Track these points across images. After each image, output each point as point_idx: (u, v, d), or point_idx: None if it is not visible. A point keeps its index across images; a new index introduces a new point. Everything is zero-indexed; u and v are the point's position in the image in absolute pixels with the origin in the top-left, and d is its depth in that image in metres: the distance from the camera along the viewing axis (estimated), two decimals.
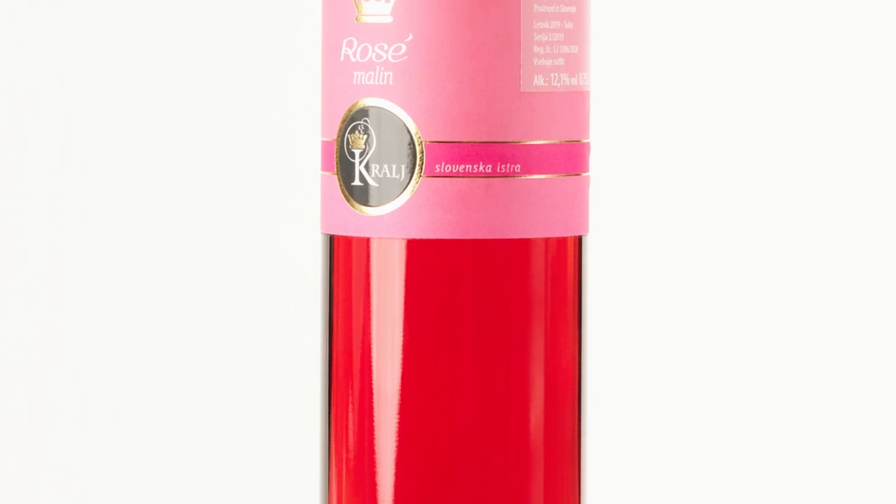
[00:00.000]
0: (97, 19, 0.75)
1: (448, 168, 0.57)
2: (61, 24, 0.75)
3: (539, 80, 0.57)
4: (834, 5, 0.68)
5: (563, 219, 0.59)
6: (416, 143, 0.57)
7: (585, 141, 0.59)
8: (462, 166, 0.57)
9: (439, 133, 0.57)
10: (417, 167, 0.57)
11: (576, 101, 0.59)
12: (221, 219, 0.75)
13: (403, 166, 0.57)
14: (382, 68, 0.57)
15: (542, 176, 0.58)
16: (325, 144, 0.59)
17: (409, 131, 0.57)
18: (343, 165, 0.58)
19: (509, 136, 0.57)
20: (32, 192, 0.78)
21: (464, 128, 0.57)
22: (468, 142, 0.57)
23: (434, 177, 0.57)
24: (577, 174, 0.58)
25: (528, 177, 0.58)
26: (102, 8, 0.74)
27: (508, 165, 0.57)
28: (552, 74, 0.58)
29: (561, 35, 0.58)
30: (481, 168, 0.57)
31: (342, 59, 0.58)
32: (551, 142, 0.58)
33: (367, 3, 0.57)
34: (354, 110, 0.57)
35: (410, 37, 0.57)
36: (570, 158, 0.59)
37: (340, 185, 0.58)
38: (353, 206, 0.58)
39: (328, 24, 0.59)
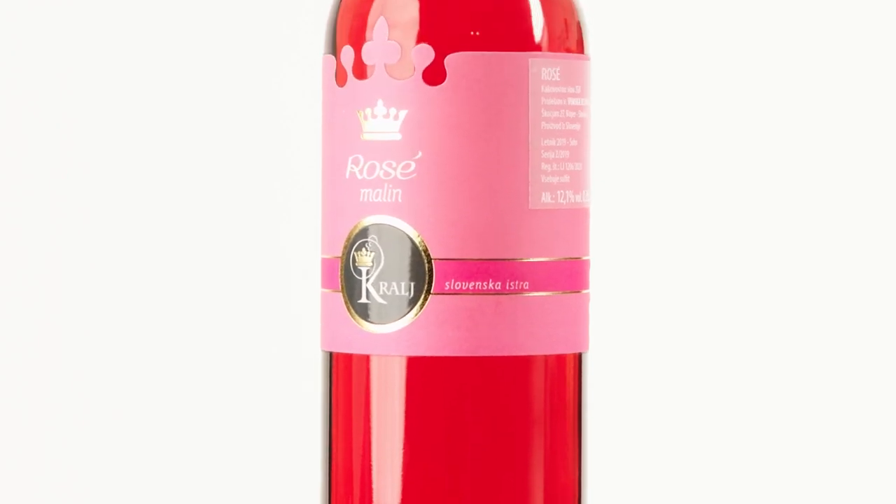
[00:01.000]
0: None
1: (458, 285, 0.56)
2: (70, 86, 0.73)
3: (546, 198, 0.57)
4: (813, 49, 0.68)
5: (565, 336, 0.58)
6: (426, 261, 0.56)
7: (586, 258, 0.58)
8: (472, 283, 0.56)
9: (449, 250, 0.56)
10: (427, 284, 0.56)
11: (578, 217, 0.58)
12: (215, 339, 0.73)
13: (413, 284, 0.56)
14: (391, 186, 0.56)
15: (548, 293, 0.57)
16: (327, 262, 0.58)
17: (418, 248, 0.56)
18: (349, 283, 0.56)
19: (518, 254, 0.56)
20: (33, 204, 0.75)
21: (473, 245, 0.56)
22: (477, 259, 0.56)
23: (443, 294, 0.56)
24: (578, 291, 0.58)
25: (535, 294, 0.57)
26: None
27: (517, 283, 0.56)
28: (558, 191, 0.57)
29: (567, 152, 0.57)
30: (490, 285, 0.56)
31: (348, 176, 0.57)
32: (555, 259, 0.57)
33: (374, 121, 0.56)
34: (361, 227, 0.56)
35: (420, 154, 0.56)
36: (572, 275, 0.58)
37: (346, 303, 0.56)
38: (359, 323, 0.56)
39: (332, 141, 0.58)
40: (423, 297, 0.55)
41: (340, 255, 0.57)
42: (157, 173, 0.76)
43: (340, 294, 0.56)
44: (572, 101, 0.57)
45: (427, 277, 0.55)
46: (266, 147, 0.76)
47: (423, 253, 0.55)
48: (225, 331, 0.76)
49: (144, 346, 0.75)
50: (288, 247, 0.73)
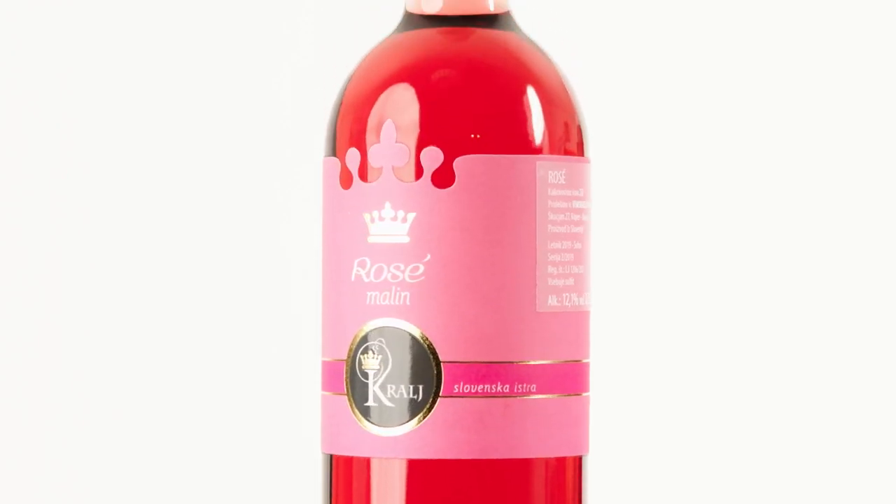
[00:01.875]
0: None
1: (466, 388, 0.55)
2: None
3: (553, 301, 0.56)
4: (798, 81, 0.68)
5: (567, 438, 0.57)
6: (435, 364, 0.55)
7: (586, 360, 0.58)
8: (480, 386, 0.55)
9: (458, 353, 0.55)
10: (435, 387, 0.55)
11: (581, 320, 0.57)
12: (209, 447, 0.72)
13: (421, 387, 0.55)
14: (398, 288, 0.55)
15: (553, 396, 0.56)
16: (329, 364, 0.56)
17: (426, 351, 0.55)
18: (354, 386, 0.55)
19: (525, 356, 0.56)
20: (33, 206, 0.73)
21: (482, 347, 0.55)
22: (486, 362, 0.55)
23: (452, 397, 0.55)
24: (580, 394, 0.57)
25: (541, 396, 0.56)
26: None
27: (525, 385, 0.55)
28: (564, 294, 0.56)
29: (571, 255, 0.57)
30: (499, 388, 0.55)
31: (353, 278, 0.56)
32: (559, 361, 0.56)
33: (381, 224, 0.55)
34: (367, 330, 0.55)
35: (428, 257, 0.55)
36: (574, 378, 0.57)
37: (351, 406, 0.55)
38: (365, 426, 0.55)
39: (336, 243, 0.57)
40: (431, 399, 0.54)
41: (345, 357, 0.55)
42: (156, 281, 0.74)
43: (345, 397, 0.55)
44: (576, 204, 0.56)
45: (436, 380, 0.54)
46: (260, 251, 0.75)
47: (431, 356, 0.54)
48: (222, 436, 0.74)
49: (138, 459, 0.73)
50: (284, 349, 0.72)
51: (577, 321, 0.57)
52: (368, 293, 0.55)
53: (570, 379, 0.56)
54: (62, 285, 0.73)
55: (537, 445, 0.55)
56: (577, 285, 0.57)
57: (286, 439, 0.72)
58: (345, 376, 0.55)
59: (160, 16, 0.73)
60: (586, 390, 0.57)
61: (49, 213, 0.74)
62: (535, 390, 0.55)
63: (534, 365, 0.55)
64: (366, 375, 0.55)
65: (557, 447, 0.56)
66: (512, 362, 0.55)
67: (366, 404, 0.55)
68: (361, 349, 0.55)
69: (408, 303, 0.54)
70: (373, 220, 0.55)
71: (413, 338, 0.54)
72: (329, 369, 0.56)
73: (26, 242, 0.75)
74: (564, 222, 0.56)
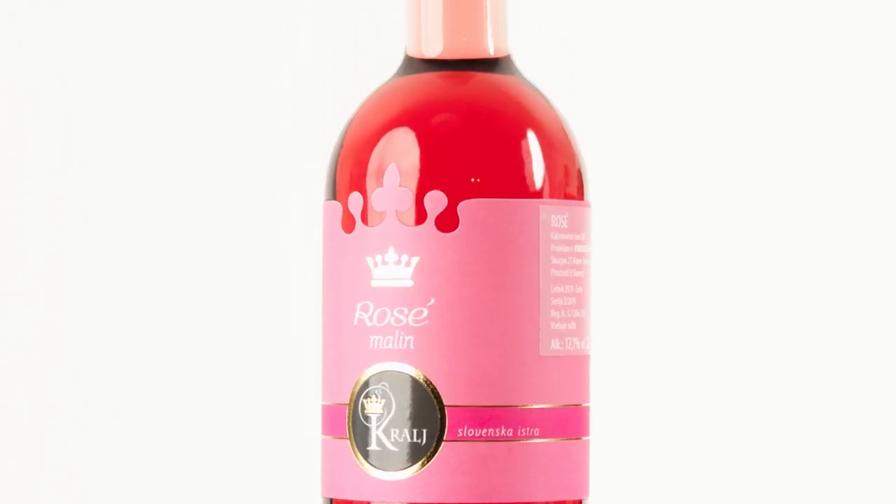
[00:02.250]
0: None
1: (470, 432, 0.54)
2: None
3: (556, 345, 0.56)
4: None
5: (568, 482, 0.57)
6: (438, 408, 0.54)
7: (586, 404, 0.57)
8: (484, 430, 0.54)
9: (462, 397, 0.54)
10: (439, 431, 0.54)
11: (581, 364, 0.57)
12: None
13: (425, 431, 0.54)
14: (402, 332, 0.54)
15: (554, 440, 0.56)
16: (330, 409, 0.56)
17: (430, 395, 0.54)
18: (357, 430, 0.55)
19: (529, 400, 0.55)
20: (33, 206, 0.72)
21: (486, 391, 0.55)
22: (490, 406, 0.54)
23: (456, 441, 0.54)
24: (580, 438, 0.57)
25: (544, 440, 0.55)
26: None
27: (528, 429, 0.55)
28: (566, 339, 0.56)
29: (573, 299, 0.56)
30: (503, 432, 0.54)
31: (356, 322, 0.55)
32: (560, 405, 0.56)
33: (384, 268, 0.55)
34: (370, 374, 0.55)
35: (432, 301, 0.54)
36: (575, 422, 0.57)
37: (354, 450, 0.55)
38: (368, 470, 0.55)
39: (338, 287, 0.56)
40: (435, 444, 0.54)
41: (347, 401, 0.55)
42: (158, 325, 0.74)
43: (347, 441, 0.54)
44: (578, 248, 0.56)
45: (440, 424, 0.54)
46: (260, 294, 0.74)
47: (435, 399, 0.54)
48: (222, 480, 0.73)
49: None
50: (284, 393, 0.71)
51: (578, 365, 0.56)
52: (371, 337, 0.54)
53: (571, 422, 0.56)
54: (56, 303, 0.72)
55: (539, 489, 0.55)
56: (578, 329, 0.56)
57: (285, 483, 0.71)
58: (346, 420, 0.55)
59: (163, 55, 0.72)
60: (587, 434, 0.57)
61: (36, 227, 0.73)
62: (537, 434, 0.55)
63: (536, 409, 0.55)
64: (368, 419, 0.54)
65: (558, 491, 0.55)
66: (515, 406, 0.54)
67: (368, 448, 0.54)
68: (364, 393, 0.54)
69: (411, 346, 0.54)
70: (376, 265, 0.54)
71: (416, 381, 0.54)
72: (330, 413, 0.56)
73: (26, 248, 0.74)
74: (567, 266, 0.56)
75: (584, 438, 0.57)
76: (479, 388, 0.54)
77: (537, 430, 0.55)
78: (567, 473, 0.56)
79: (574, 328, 0.56)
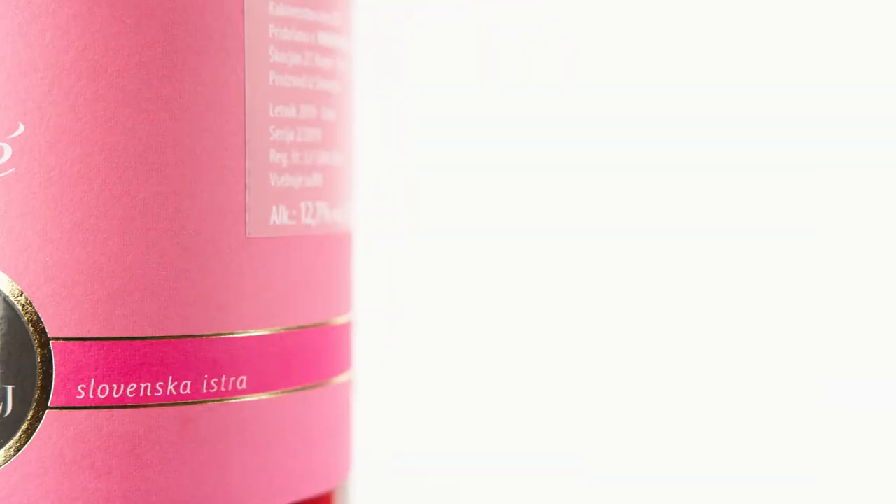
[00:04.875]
0: None
1: (105, 391, 0.25)
2: None
3: (280, 216, 0.27)
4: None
5: (308, 466, 0.28)
6: (39, 344, 0.25)
7: (341, 321, 0.29)
8: (135, 386, 0.26)
9: (86, 322, 0.25)
10: (40, 390, 0.25)
11: (330, 250, 0.28)
12: None
13: (10, 389, 0.25)
14: None
15: (278, 393, 0.27)
16: None
17: (20, 319, 0.25)
18: None
19: (224, 325, 0.27)
20: None
21: (138, 309, 0.26)
22: (146, 338, 0.26)
23: (74, 409, 0.25)
24: (327, 382, 0.28)
25: (257, 397, 0.27)
26: None
27: (226, 380, 0.26)
28: (301, 205, 0.28)
29: (317, 131, 0.28)
30: (171, 388, 0.26)
31: None
32: (288, 328, 0.27)
33: None
34: None
35: (21, 128, 0.25)
36: (319, 355, 0.28)
37: None
38: None
39: None
40: (32, 413, 0.25)
41: None
42: None
43: None
44: (323, 38, 0.27)
45: (40, 377, 0.25)
46: None
47: (29, 326, 0.25)
48: None
49: None
50: None
51: (323, 251, 0.28)
52: None
53: (309, 357, 0.28)
54: None
55: (252, 491, 0.26)
56: (326, 186, 0.28)
57: None
58: None
59: None
60: (341, 372, 0.28)
61: None
62: (244, 386, 0.26)
63: (242, 338, 0.26)
64: None
65: (294, 483, 0.27)
66: (195, 336, 0.26)
67: None
68: None
69: None
70: None
71: None
72: None
73: None
74: (301, 69, 0.27)
75: (338, 381, 0.28)
76: (122, 303, 0.25)
77: (244, 378, 0.26)
78: (308, 451, 0.27)
79: (318, 184, 0.28)
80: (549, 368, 0.43)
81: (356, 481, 0.32)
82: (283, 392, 0.27)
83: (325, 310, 0.28)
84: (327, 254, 0.28)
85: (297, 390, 0.28)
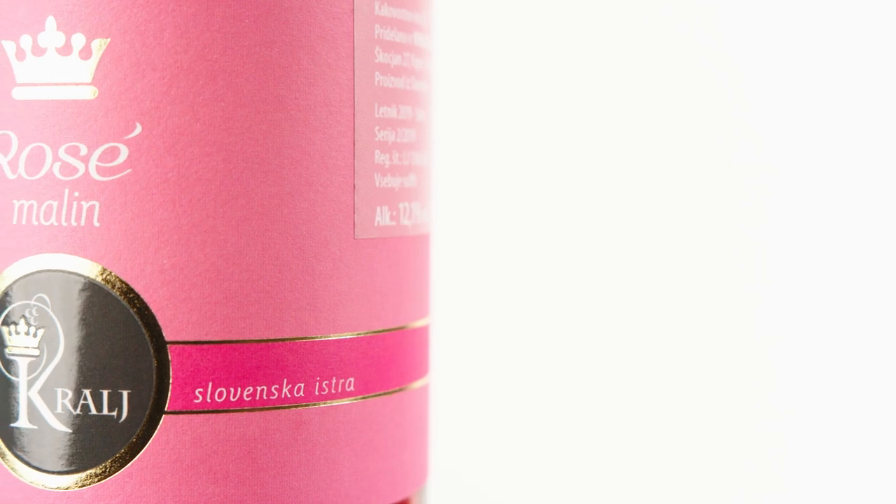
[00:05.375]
0: None
1: (221, 395, 0.25)
2: None
3: (383, 217, 0.27)
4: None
5: (392, 469, 0.28)
6: (154, 347, 0.25)
7: (419, 324, 0.29)
8: (250, 389, 0.25)
9: (200, 326, 0.25)
10: (156, 395, 0.25)
11: (416, 252, 0.28)
12: None
13: (126, 393, 0.25)
14: (77, 194, 0.25)
15: (376, 395, 0.27)
16: None
17: (138, 323, 0.25)
18: None
19: (331, 326, 0.26)
20: None
21: (250, 313, 0.25)
22: (258, 341, 0.25)
23: (191, 413, 0.25)
24: (405, 388, 0.28)
25: (360, 399, 0.26)
26: None
27: (335, 382, 0.26)
28: (400, 206, 0.27)
29: (412, 132, 0.27)
30: (286, 391, 0.25)
31: None
32: (383, 330, 0.27)
33: (39, 61, 0.25)
34: (15, 280, 0.25)
35: (138, 128, 0.25)
36: (402, 359, 0.28)
37: None
38: (12, 469, 0.25)
39: None
40: (147, 419, 0.24)
41: None
42: None
43: None
44: (418, 38, 0.27)
45: (156, 380, 0.24)
46: None
47: (146, 331, 0.24)
48: None
49: None
50: None
51: (410, 253, 0.28)
52: (15, 203, 0.24)
53: (398, 361, 0.27)
54: None
55: (355, 492, 0.26)
56: (418, 188, 0.28)
57: None
58: None
59: None
60: (420, 377, 0.28)
61: None
62: (351, 388, 0.26)
63: (347, 340, 0.26)
64: (11, 367, 0.24)
65: (381, 487, 0.27)
66: (308, 338, 0.25)
67: (13, 425, 0.24)
68: (6, 315, 0.24)
69: (95, 224, 0.24)
70: (21, 54, 0.24)
71: (105, 294, 0.24)
72: None
73: None
74: (400, 69, 0.27)
75: (417, 385, 0.28)
76: (239, 305, 0.24)
77: (352, 380, 0.26)
78: (399, 455, 0.27)
79: (413, 185, 0.27)
80: (632, 375, 0.43)
81: (432, 490, 0.32)
82: (384, 394, 0.27)
83: (412, 312, 0.28)
84: (417, 255, 0.28)
85: (391, 392, 0.27)
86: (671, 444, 0.41)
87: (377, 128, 0.26)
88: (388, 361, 0.27)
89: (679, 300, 0.41)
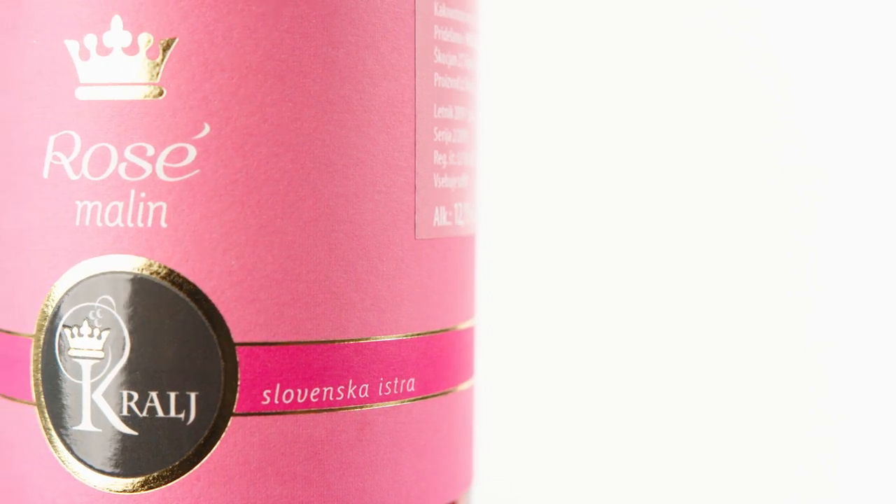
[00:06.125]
0: None
1: (289, 396, 0.24)
2: None
3: (441, 217, 0.26)
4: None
5: (446, 468, 0.28)
6: (222, 349, 0.24)
7: (466, 325, 0.28)
8: (317, 391, 0.25)
9: (268, 327, 0.24)
10: (223, 397, 0.24)
11: (467, 253, 0.28)
12: None
13: (194, 396, 0.24)
14: (143, 195, 0.24)
15: (436, 395, 0.27)
16: None
17: (206, 324, 0.24)
18: (52, 390, 0.24)
19: (393, 326, 0.26)
20: None
21: (318, 314, 0.25)
22: (326, 342, 0.25)
23: (259, 415, 0.24)
24: (455, 389, 0.28)
25: (422, 398, 0.26)
26: None
27: (397, 382, 0.26)
28: (455, 206, 0.27)
29: (464, 132, 0.27)
30: (351, 392, 0.25)
31: (47, 174, 0.25)
32: (439, 330, 0.27)
33: (103, 60, 0.25)
34: (79, 281, 0.24)
35: (206, 129, 0.24)
36: (455, 359, 0.28)
37: (45, 429, 0.24)
38: (74, 474, 0.24)
39: (2, 105, 0.25)
40: (214, 421, 0.24)
41: (31, 332, 0.24)
42: None
43: (32, 407, 0.24)
44: (469, 39, 0.27)
45: (223, 382, 0.24)
46: None
47: (214, 333, 0.24)
48: None
49: None
50: None
51: (463, 254, 0.27)
52: (78, 204, 0.24)
53: (451, 361, 0.27)
54: None
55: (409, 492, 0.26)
56: (468, 189, 0.27)
57: None
58: (31, 370, 0.24)
59: None
60: (466, 379, 0.28)
61: None
62: (412, 389, 0.25)
63: (412, 340, 0.25)
64: (76, 370, 0.24)
65: (436, 487, 0.26)
66: (370, 339, 0.25)
67: (77, 427, 0.24)
68: (66, 318, 0.24)
69: (162, 224, 0.23)
70: (85, 53, 0.23)
71: (172, 296, 0.23)
72: (2, 351, 0.25)
73: None
74: (456, 70, 0.27)
75: (464, 388, 0.28)
76: (306, 306, 0.24)
77: (412, 381, 0.25)
78: (447, 456, 0.27)
79: (465, 185, 0.27)
80: (679, 379, 0.42)
81: (476, 493, 0.31)
82: (440, 395, 0.27)
83: (462, 313, 0.28)
84: (467, 255, 0.28)
85: (446, 393, 0.27)
86: (722, 449, 0.41)
87: (436, 128, 0.26)
88: (444, 362, 0.27)
89: (730, 306, 0.41)
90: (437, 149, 0.26)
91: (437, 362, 0.26)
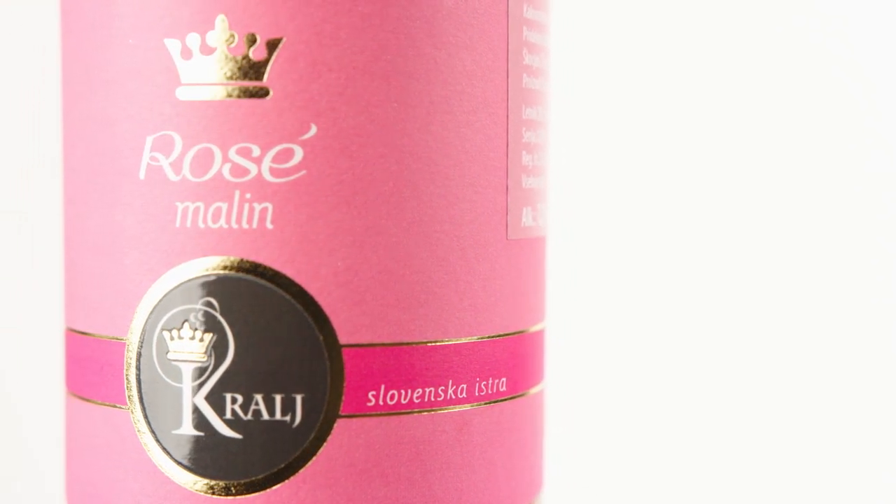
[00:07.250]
0: None
1: (393, 398, 0.24)
2: None
3: (528, 218, 0.26)
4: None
5: (524, 467, 0.27)
6: (328, 349, 0.24)
7: (537, 328, 0.28)
8: (420, 391, 0.24)
9: (374, 328, 0.24)
10: (330, 398, 0.24)
11: (542, 255, 0.27)
12: None
13: (300, 398, 0.24)
14: (248, 196, 0.23)
15: (523, 395, 0.26)
16: (88, 346, 0.24)
17: (311, 326, 0.24)
18: (153, 393, 0.23)
19: (488, 326, 0.25)
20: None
21: (422, 315, 0.24)
22: (435, 342, 0.24)
23: (365, 416, 0.24)
24: (529, 391, 0.27)
25: (513, 398, 0.26)
26: None
27: (493, 382, 0.25)
28: (538, 207, 0.26)
29: (542, 132, 0.27)
30: (451, 393, 0.25)
31: (144, 175, 0.24)
32: (520, 330, 0.26)
33: (205, 60, 0.24)
34: (180, 284, 0.23)
35: (313, 129, 0.24)
36: (530, 359, 0.27)
37: (143, 433, 0.23)
38: (173, 477, 0.23)
39: (103, 104, 0.24)
40: (320, 423, 0.23)
41: (130, 337, 0.23)
42: None
43: (127, 413, 0.23)
44: (547, 40, 0.26)
45: (329, 384, 0.23)
46: None
47: (320, 334, 0.23)
48: None
49: None
50: None
51: (540, 256, 0.27)
52: (178, 205, 0.23)
53: (530, 360, 0.26)
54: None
55: (501, 490, 0.25)
56: (544, 190, 0.27)
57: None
58: (128, 373, 0.23)
59: None
60: (538, 382, 0.27)
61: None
62: (503, 388, 0.25)
63: (501, 340, 0.25)
64: (177, 374, 0.23)
65: (518, 486, 0.26)
66: (470, 339, 0.24)
67: (175, 431, 0.23)
68: (166, 320, 0.23)
69: (268, 226, 0.23)
70: (187, 52, 0.23)
71: (278, 298, 0.23)
72: (87, 356, 0.24)
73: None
74: (538, 71, 0.26)
75: (539, 388, 0.27)
76: (410, 307, 0.23)
77: (504, 380, 0.25)
78: (528, 456, 0.26)
79: (544, 186, 0.27)
80: (751, 381, 0.42)
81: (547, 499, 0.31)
82: (525, 395, 0.26)
83: (539, 313, 0.27)
84: (544, 256, 0.27)
85: (530, 393, 0.27)
86: (802, 450, 0.41)
87: (524, 129, 0.26)
88: (528, 362, 0.26)
89: (811, 311, 0.41)
90: (525, 149, 0.26)
91: (524, 362, 0.26)
